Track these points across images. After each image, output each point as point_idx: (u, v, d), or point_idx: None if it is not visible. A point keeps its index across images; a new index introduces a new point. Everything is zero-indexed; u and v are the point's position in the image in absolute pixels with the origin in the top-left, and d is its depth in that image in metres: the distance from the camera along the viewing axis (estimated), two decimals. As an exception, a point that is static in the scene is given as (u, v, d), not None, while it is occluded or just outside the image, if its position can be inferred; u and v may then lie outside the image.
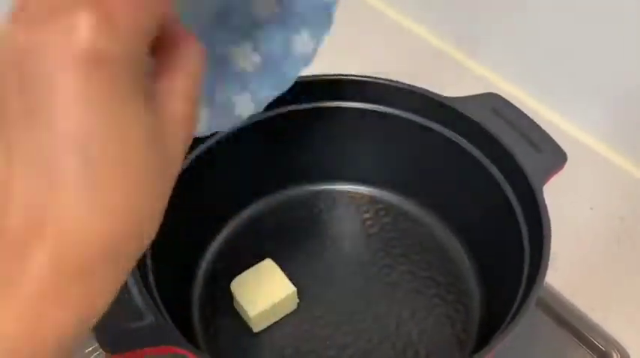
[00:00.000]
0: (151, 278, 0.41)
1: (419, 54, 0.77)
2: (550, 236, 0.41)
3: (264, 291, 0.48)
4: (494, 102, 0.49)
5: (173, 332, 0.35)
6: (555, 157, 0.45)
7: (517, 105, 0.49)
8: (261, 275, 0.49)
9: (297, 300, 0.50)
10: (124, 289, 0.37)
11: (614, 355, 0.50)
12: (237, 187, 0.54)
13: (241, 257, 0.53)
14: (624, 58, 0.60)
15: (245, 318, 0.49)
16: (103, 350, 0.35)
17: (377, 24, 0.81)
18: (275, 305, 0.48)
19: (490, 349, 0.36)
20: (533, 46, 0.68)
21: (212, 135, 0.50)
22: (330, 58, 0.74)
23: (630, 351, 0.50)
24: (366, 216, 0.57)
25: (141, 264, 0.40)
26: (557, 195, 0.61)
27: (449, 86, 0.51)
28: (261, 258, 0.53)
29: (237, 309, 0.49)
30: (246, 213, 0.56)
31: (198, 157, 0.49)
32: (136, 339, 0.35)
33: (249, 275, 0.49)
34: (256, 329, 0.49)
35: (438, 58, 0.76)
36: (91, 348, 0.50)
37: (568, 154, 0.46)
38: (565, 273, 0.55)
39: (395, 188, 0.57)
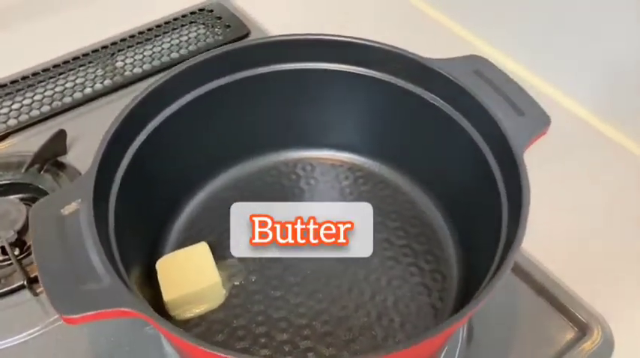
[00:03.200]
0: (112, 241, 0.39)
1: (403, 16, 0.75)
2: (529, 200, 0.39)
3: (187, 277, 0.45)
4: (478, 64, 0.47)
5: (130, 295, 0.34)
6: (538, 121, 0.43)
7: (503, 70, 0.47)
8: (190, 259, 0.46)
9: (224, 291, 0.47)
10: (81, 250, 0.35)
11: (595, 327, 0.48)
12: (211, 153, 0.53)
13: (215, 224, 0.52)
14: (614, 26, 0.59)
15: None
16: (57, 311, 0.33)
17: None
18: (195, 293, 0.45)
19: (463, 315, 0.34)
20: (522, 12, 0.66)
21: (182, 96, 0.48)
22: (308, 18, 0.72)
23: (612, 324, 0.49)
24: (345, 183, 0.55)
25: (102, 227, 0.38)
26: (541, 164, 0.59)
27: (434, 51, 0.49)
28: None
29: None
30: (222, 180, 0.54)
31: (166, 121, 0.47)
32: (91, 302, 0.33)
33: (178, 257, 0.46)
34: (172, 313, 0.45)
35: (424, 21, 0.74)
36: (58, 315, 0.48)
37: (554, 123, 0.44)
38: (547, 243, 0.53)
39: (375, 155, 0.55)
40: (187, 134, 0.49)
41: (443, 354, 0.46)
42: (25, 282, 0.49)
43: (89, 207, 0.37)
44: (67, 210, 0.37)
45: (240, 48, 0.48)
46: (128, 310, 0.33)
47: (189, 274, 0.45)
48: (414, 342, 0.33)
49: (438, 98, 0.47)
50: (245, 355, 0.31)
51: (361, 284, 0.48)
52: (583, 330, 0.48)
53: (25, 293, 0.50)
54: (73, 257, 0.35)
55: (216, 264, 0.47)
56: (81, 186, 0.38)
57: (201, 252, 0.47)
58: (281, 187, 0.55)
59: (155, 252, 0.49)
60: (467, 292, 0.46)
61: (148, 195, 0.47)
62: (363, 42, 0.48)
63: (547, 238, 0.54)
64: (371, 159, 0.55)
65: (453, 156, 0.48)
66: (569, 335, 0.48)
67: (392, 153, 0.54)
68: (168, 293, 0.45)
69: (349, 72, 0.50)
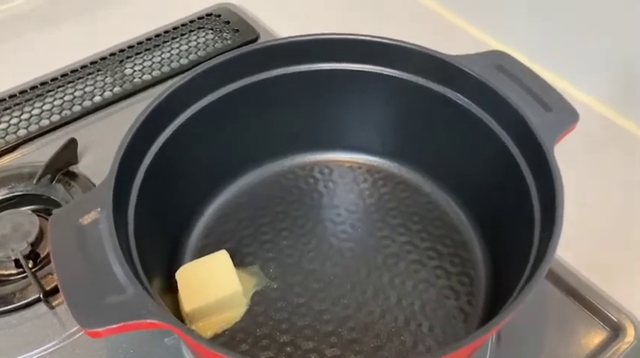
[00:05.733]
0: (133, 250, 0.38)
1: (417, 17, 0.74)
2: (563, 200, 0.38)
3: (207, 286, 0.44)
4: (500, 59, 0.46)
5: (155, 306, 0.32)
6: (566, 116, 0.42)
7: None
8: (211, 267, 0.45)
9: (246, 300, 0.46)
10: (103, 261, 0.34)
11: (628, 326, 0.47)
12: (227, 158, 0.51)
13: (234, 231, 0.51)
14: (628, 20, 0.58)
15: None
16: (80, 325, 0.32)
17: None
18: (216, 303, 0.44)
19: (498, 321, 0.33)
20: (535, 10, 0.65)
21: (196, 102, 0.47)
22: (316, 19, 0.71)
23: (644, 322, 0.47)
24: (364, 185, 0.54)
25: (122, 236, 0.37)
26: (565, 162, 0.58)
27: (447, 50, 0.48)
28: (255, 232, 0.51)
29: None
30: (239, 185, 0.53)
31: (182, 126, 0.46)
32: (115, 314, 0.32)
33: (198, 266, 0.45)
34: (193, 326, 0.44)
35: (436, 21, 0.73)
36: (74, 328, 0.47)
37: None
38: (574, 243, 0.52)
39: (394, 156, 0.54)
40: (203, 140, 0.48)
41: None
42: (41, 295, 0.48)
43: (109, 216, 0.36)
44: (86, 219, 0.36)
45: (255, 50, 0.47)
46: (154, 321, 0.32)
47: (209, 283, 0.44)
48: (444, 353, 0.32)
49: (460, 95, 0.46)
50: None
51: (386, 288, 0.47)
52: (616, 331, 0.47)
53: (41, 307, 0.49)
54: (94, 268, 0.34)
55: (237, 270, 0.46)
56: (100, 195, 0.37)
57: (221, 260, 0.46)
58: (299, 191, 0.53)
59: (174, 261, 0.48)
60: (496, 294, 0.45)
61: (166, 202, 0.46)
62: (382, 40, 0.47)
63: (574, 237, 0.52)
64: (390, 161, 0.54)
65: (478, 155, 0.47)
66: (602, 335, 0.47)
67: (412, 154, 0.53)
68: (188, 304, 0.44)
69: (367, 71, 0.49)
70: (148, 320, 0.32)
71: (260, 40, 0.71)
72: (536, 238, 0.39)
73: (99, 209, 0.37)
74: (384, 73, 0.48)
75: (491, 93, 0.43)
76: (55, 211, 0.38)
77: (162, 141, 0.44)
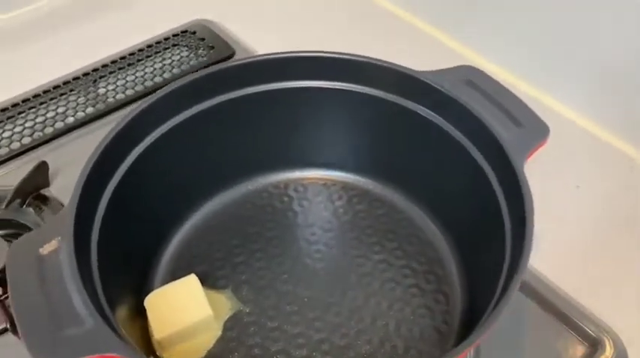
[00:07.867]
0: (96, 279, 0.37)
1: (390, 30, 0.73)
2: (533, 217, 0.37)
3: (177, 312, 0.43)
4: (470, 74, 0.45)
5: (115, 339, 0.31)
6: (537, 131, 0.42)
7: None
8: (180, 293, 0.44)
9: (218, 326, 0.45)
10: (62, 291, 0.33)
11: (606, 340, 0.46)
12: (197, 179, 0.51)
13: (206, 253, 0.50)
14: (608, 31, 0.58)
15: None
16: (36, 361, 0.31)
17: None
18: (187, 329, 0.43)
19: (470, 343, 0.32)
20: (512, 22, 0.65)
21: (163, 123, 0.46)
22: (292, 36, 0.71)
23: (622, 336, 0.47)
24: (339, 203, 0.53)
25: (84, 265, 0.36)
26: (541, 174, 0.58)
27: (423, 63, 0.47)
28: (228, 254, 0.50)
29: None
30: (211, 206, 0.52)
31: (149, 149, 0.45)
32: (72, 347, 0.31)
33: (167, 292, 0.44)
34: (165, 354, 0.43)
35: (411, 33, 0.73)
36: None
37: (552, 131, 0.43)
38: (551, 256, 0.52)
39: (369, 173, 0.53)
40: (171, 161, 0.47)
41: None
42: (8, 325, 0.47)
43: (69, 245, 0.35)
44: (47, 248, 0.35)
45: (224, 69, 0.47)
46: (114, 355, 0.31)
47: (179, 309, 0.43)
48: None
49: (431, 112, 0.46)
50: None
51: (361, 309, 0.46)
52: (594, 345, 0.46)
53: (10, 337, 0.47)
54: (52, 299, 0.33)
55: (209, 294, 0.45)
56: (60, 223, 0.36)
57: (190, 284, 0.45)
58: (272, 210, 0.53)
59: (144, 285, 0.47)
60: (472, 311, 0.44)
61: (134, 226, 0.45)
62: (352, 58, 0.47)
63: (550, 251, 0.52)
64: (364, 177, 0.54)
65: (449, 171, 0.46)
66: (580, 351, 0.46)
67: (387, 170, 0.52)
68: (158, 331, 0.42)
69: (338, 88, 0.48)
70: (108, 354, 0.31)
71: (236, 57, 0.70)
72: (507, 255, 0.38)
73: (59, 238, 0.36)
74: (355, 90, 0.47)
75: (461, 109, 0.43)
76: (14, 242, 0.37)
77: (128, 164, 0.43)
